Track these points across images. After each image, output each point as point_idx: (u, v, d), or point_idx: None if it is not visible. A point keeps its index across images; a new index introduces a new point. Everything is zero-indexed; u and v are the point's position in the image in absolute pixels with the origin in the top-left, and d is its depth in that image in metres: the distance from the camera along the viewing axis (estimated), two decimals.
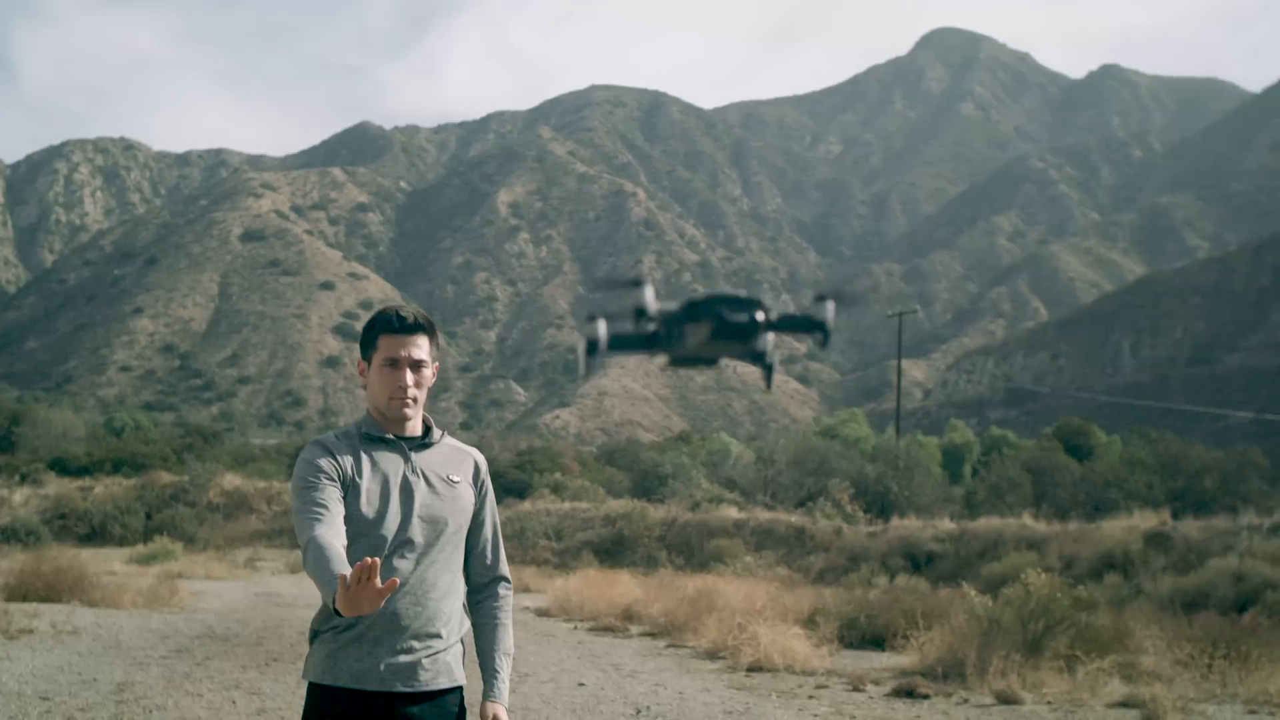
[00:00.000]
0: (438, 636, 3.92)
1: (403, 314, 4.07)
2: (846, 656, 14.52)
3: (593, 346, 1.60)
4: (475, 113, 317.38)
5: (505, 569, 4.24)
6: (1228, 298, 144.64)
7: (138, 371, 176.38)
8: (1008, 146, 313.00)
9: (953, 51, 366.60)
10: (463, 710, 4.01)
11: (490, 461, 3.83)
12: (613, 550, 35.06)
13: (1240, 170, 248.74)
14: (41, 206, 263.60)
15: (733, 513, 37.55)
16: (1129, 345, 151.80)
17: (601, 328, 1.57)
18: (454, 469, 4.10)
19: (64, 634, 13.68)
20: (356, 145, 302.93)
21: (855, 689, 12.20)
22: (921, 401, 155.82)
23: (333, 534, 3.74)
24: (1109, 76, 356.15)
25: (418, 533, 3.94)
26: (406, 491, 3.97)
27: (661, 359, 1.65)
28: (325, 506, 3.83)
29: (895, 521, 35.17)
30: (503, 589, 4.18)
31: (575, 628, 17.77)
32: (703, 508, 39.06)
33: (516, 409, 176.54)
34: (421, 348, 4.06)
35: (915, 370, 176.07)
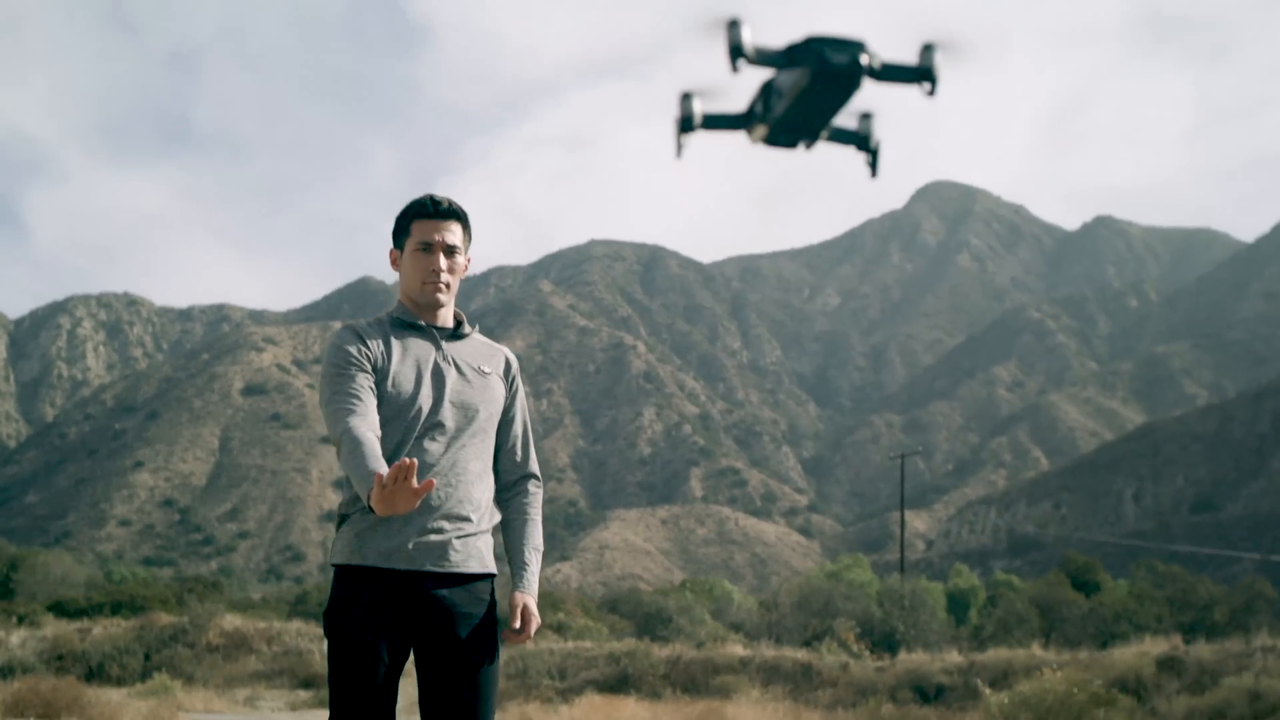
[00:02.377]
0: (467, 520, 3.86)
1: (437, 199, 4.06)
2: None
3: (686, 123, 1.57)
4: (476, 267, 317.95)
5: (535, 466, 4.18)
6: (1228, 445, 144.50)
7: (137, 526, 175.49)
8: (1004, 297, 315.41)
9: (948, 204, 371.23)
10: (493, 600, 3.94)
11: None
12: (617, 688, 34.60)
13: (1236, 318, 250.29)
14: (44, 361, 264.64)
15: (738, 650, 37.12)
16: (1131, 493, 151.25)
17: (696, 104, 1.55)
18: (485, 361, 4.09)
19: None
20: (358, 299, 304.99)
21: None
22: (925, 552, 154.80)
23: (366, 426, 3.71)
24: (1103, 227, 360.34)
25: (448, 417, 3.90)
26: (438, 377, 3.95)
27: (760, 131, 1.62)
28: (358, 396, 3.80)
29: (903, 656, 34.77)
30: (533, 486, 4.13)
31: None
32: (707, 646, 38.66)
33: None
34: (455, 234, 4.05)
35: (918, 521, 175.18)
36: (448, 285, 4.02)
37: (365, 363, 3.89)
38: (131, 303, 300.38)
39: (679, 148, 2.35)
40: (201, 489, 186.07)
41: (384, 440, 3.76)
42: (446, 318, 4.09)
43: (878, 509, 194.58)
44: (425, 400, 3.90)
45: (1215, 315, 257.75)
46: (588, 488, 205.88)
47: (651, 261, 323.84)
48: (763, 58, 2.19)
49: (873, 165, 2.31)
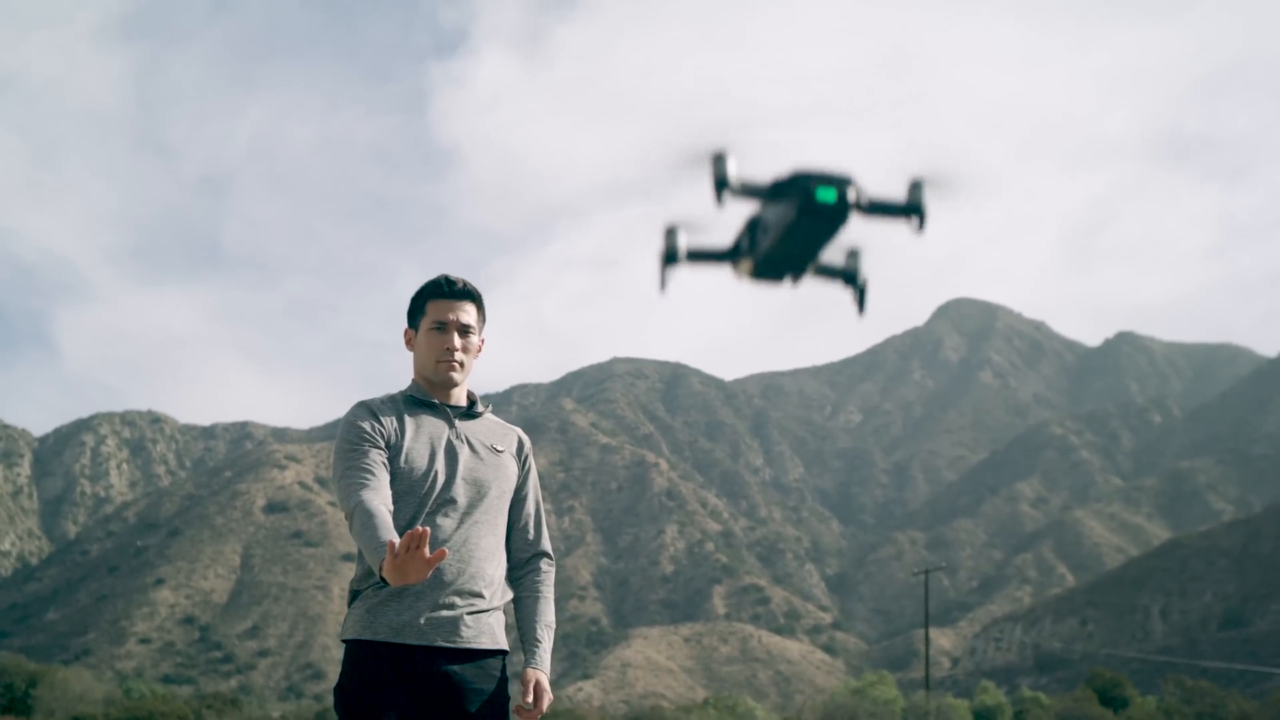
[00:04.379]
0: (479, 596, 3.88)
1: (452, 279, 4.12)
2: None
3: (671, 256, 1.53)
4: (499, 384, 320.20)
5: (548, 545, 4.19)
6: (1255, 560, 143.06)
7: (157, 644, 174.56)
8: (1027, 413, 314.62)
9: (969, 321, 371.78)
10: (504, 677, 3.94)
11: None
12: None
13: (1260, 433, 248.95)
14: (67, 478, 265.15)
15: None
16: (1158, 609, 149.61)
17: (680, 238, 1.52)
18: (498, 439, 4.13)
19: None
20: None
21: None
22: (950, 669, 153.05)
23: (379, 500, 3.75)
24: (1124, 343, 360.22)
25: (461, 493, 3.94)
26: (451, 454, 3.98)
27: (745, 266, 1.58)
28: (371, 471, 3.83)
29: None
30: (545, 564, 4.15)
31: None
32: None
33: None
34: (470, 314, 4.11)
35: (942, 639, 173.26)
36: (462, 364, 4.06)
37: (379, 439, 3.91)
38: (155, 420, 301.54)
39: (663, 282, 2.38)
40: (222, 606, 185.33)
41: (396, 515, 3.81)
42: (460, 396, 4.14)
43: (902, 626, 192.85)
44: (438, 476, 3.95)
45: (1239, 430, 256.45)
46: (610, 605, 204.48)
47: (673, 379, 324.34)
48: (748, 191, 2.25)
49: (860, 302, 2.36)
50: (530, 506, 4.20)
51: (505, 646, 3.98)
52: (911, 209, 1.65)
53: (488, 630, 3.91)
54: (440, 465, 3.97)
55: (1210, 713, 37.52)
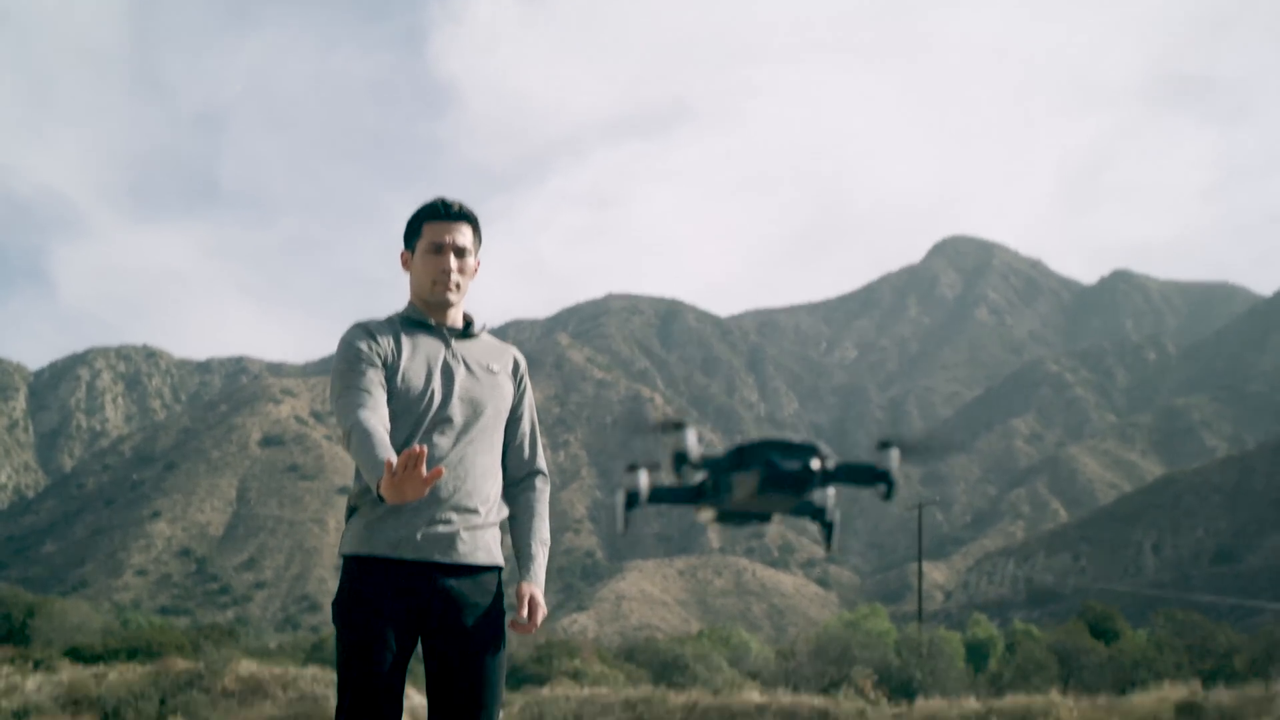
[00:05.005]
0: (475, 512, 3.91)
1: (448, 201, 4.12)
2: None
3: (632, 499, 1.50)
4: (495, 320, 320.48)
5: (542, 463, 4.22)
6: (1248, 496, 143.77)
7: (154, 575, 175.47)
8: (1022, 350, 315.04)
9: (965, 258, 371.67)
10: (500, 592, 3.97)
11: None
12: None
13: (1255, 371, 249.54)
14: (63, 412, 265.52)
15: (755, 696, 36.93)
16: (1150, 545, 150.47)
17: (642, 479, 1.48)
18: (494, 359, 4.16)
19: None
20: None
21: None
22: (943, 603, 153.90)
23: (376, 419, 3.77)
24: (1120, 281, 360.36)
25: (457, 413, 3.96)
26: (447, 374, 4.01)
27: (708, 513, 1.55)
28: (368, 390, 3.86)
29: (920, 703, 34.55)
30: (539, 482, 4.17)
31: None
32: (724, 693, 38.47)
33: None
34: (466, 235, 4.12)
35: (936, 572, 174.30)
36: (458, 286, 4.09)
37: (375, 358, 3.94)
38: (150, 355, 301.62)
39: (624, 523, 2.33)
40: (219, 539, 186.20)
41: (393, 435, 3.82)
42: (456, 318, 4.16)
43: (895, 560, 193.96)
44: (434, 396, 3.97)
45: (1234, 368, 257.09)
46: (604, 539, 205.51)
47: (669, 315, 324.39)
48: (710, 464, 2.19)
49: (827, 539, 2.31)
50: (526, 426, 4.22)
51: (501, 562, 4.01)
52: (879, 476, 1.61)
53: (484, 546, 3.94)
54: (437, 385, 3.99)
55: (1200, 645, 37.81)
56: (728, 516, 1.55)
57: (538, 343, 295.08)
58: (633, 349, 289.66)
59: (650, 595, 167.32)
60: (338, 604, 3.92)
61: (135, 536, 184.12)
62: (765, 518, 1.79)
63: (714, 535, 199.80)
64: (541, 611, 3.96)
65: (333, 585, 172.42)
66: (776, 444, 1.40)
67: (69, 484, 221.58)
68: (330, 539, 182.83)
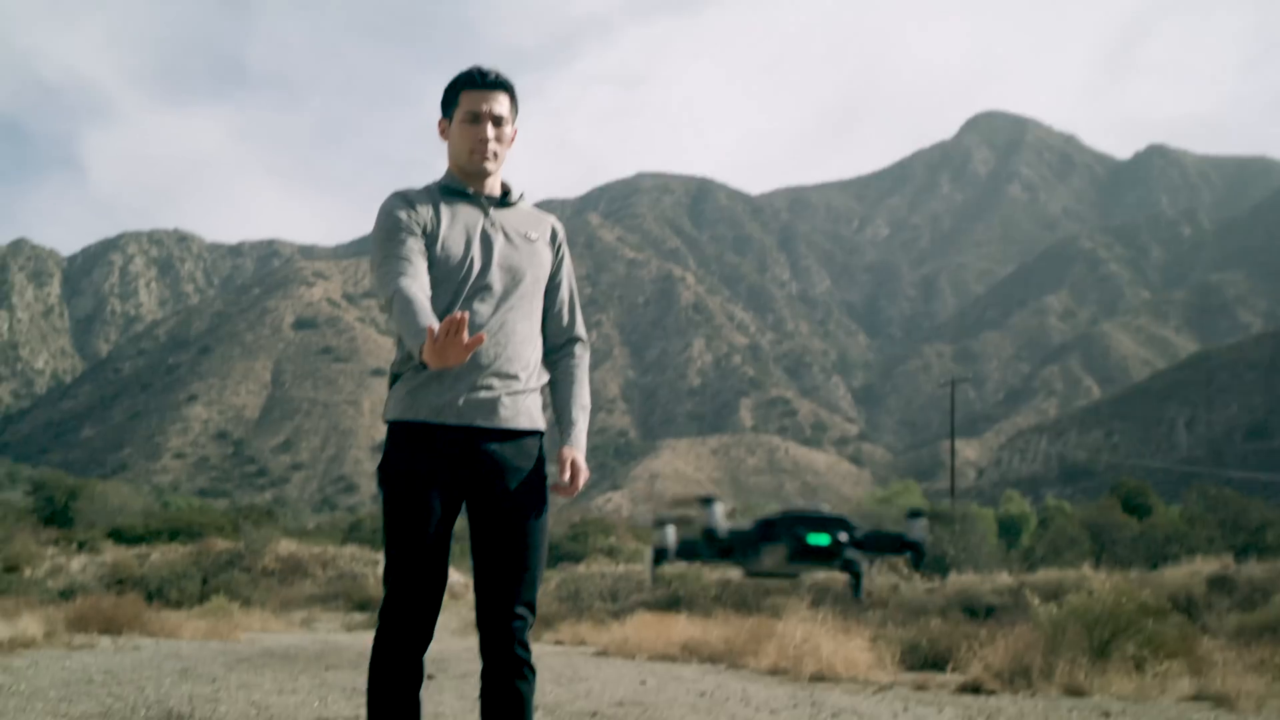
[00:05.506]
0: (515, 378, 3.94)
1: (485, 70, 4.09)
2: (909, 675, 14.29)
3: (661, 555, 1.48)
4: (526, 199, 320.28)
5: (582, 330, 4.25)
6: None
7: (191, 458, 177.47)
8: (1056, 227, 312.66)
9: (998, 134, 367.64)
10: (542, 457, 4.01)
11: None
12: (667, 609, 34.82)
13: None
14: (97, 298, 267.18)
15: None
16: (1184, 421, 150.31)
17: (670, 535, 1.46)
18: (532, 227, 4.17)
19: (125, 650, 13.72)
20: None
21: (921, 689, 12.04)
22: (976, 480, 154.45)
23: (417, 286, 3.78)
24: (1156, 156, 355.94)
25: (496, 280, 3.98)
26: (486, 242, 4.02)
27: (737, 571, 1.55)
28: (408, 259, 3.86)
29: (953, 578, 34.74)
30: (579, 349, 4.20)
31: (634, 659, 17.61)
32: None
33: None
34: (503, 104, 4.09)
35: (968, 450, 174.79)
36: (495, 154, 4.07)
37: (415, 227, 3.94)
38: (182, 239, 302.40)
39: (653, 577, 2.21)
40: (254, 422, 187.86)
41: (434, 302, 3.84)
42: (494, 186, 4.15)
43: (928, 438, 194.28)
44: (474, 263, 3.97)
45: (1270, 244, 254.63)
46: (638, 418, 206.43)
47: (700, 194, 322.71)
48: (738, 537, 2.09)
49: (855, 587, 2.21)
50: (564, 293, 4.22)
51: (542, 427, 4.04)
52: (909, 545, 1.59)
53: (525, 411, 3.96)
54: (476, 252, 3.99)
55: (1233, 520, 37.85)
56: (757, 574, 1.56)
57: (568, 223, 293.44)
58: (664, 228, 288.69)
59: (684, 474, 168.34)
60: (383, 469, 3.95)
61: (172, 420, 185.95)
62: (794, 575, 1.80)
63: (747, 414, 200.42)
64: (583, 475, 3.97)
65: (368, 466, 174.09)
66: (804, 517, 1.38)
67: (105, 369, 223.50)
68: (365, 421, 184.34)
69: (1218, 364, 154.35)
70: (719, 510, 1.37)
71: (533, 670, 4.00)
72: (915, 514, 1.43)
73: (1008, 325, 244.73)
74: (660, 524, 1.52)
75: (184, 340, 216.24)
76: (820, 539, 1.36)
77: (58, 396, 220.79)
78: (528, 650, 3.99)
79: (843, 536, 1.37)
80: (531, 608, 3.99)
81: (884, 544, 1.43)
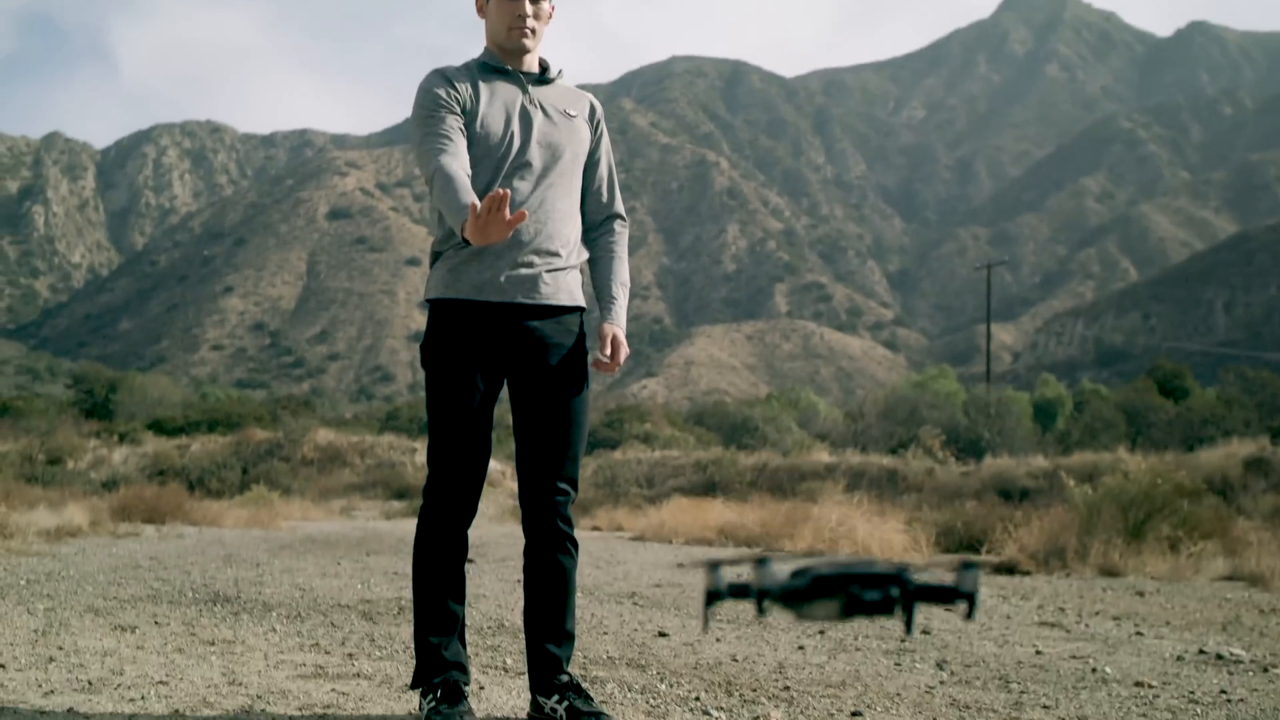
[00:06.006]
0: (556, 255, 3.96)
1: None
2: (944, 557, 14.37)
3: (714, 596, 1.48)
4: None
5: (620, 207, 4.27)
6: None
7: (229, 350, 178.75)
8: (1094, 107, 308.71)
9: (1036, 12, 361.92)
10: (583, 333, 4.05)
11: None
12: (703, 494, 35.09)
13: None
14: (131, 191, 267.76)
15: (824, 456, 37.34)
16: (1222, 303, 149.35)
17: (723, 578, 1.47)
18: (571, 105, 4.15)
19: (169, 538, 13.93)
20: None
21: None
22: (1011, 364, 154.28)
23: (458, 164, 3.80)
24: (1197, 33, 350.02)
25: (535, 157, 3.98)
26: (525, 119, 4.01)
27: (789, 614, 1.56)
28: (449, 136, 3.87)
29: (988, 461, 34.81)
30: (619, 225, 4.22)
31: (670, 543, 17.77)
32: (793, 454, 38.91)
33: (603, 379, 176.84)
34: None
35: (1004, 334, 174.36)
36: (534, 31, 4.05)
37: (454, 105, 3.94)
38: (215, 130, 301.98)
39: (706, 620, 2.15)
40: (290, 313, 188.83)
41: (474, 180, 3.86)
42: (533, 63, 4.13)
43: (964, 322, 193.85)
44: (513, 140, 3.97)
45: None
46: (672, 305, 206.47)
47: (733, 77, 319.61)
48: (790, 594, 1.95)
49: (907, 624, 2.16)
50: (603, 170, 4.23)
51: (583, 303, 4.08)
52: (963, 596, 1.57)
53: (565, 287, 3.99)
54: (515, 129, 3.99)
55: (1270, 402, 37.76)
56: (809, 618, 1.58)
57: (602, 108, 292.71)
58: (697, 113, 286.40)
59: (718, 360, 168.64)
60: (425, 347, 4.00)
61: (209, 312, 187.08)
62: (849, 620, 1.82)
63: (782, 299, 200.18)
64: (624, 351, 4.01)
65: (404, 356, 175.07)
66: (858, 575, 1.37)
67: (141, 262, 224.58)
68: (400, 310, 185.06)
69: (1257, 245, 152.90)
70: (773, 571, 1.37)
71: (575, 545, 4.07)
72: (969, 566, 1.43)
73: (1044, 208, 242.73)
74: (714, 567, 1.53)
75: (218, 232, 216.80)
76: (873, 595, 1.37)
77: (95, 290, 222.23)
78: (570, 525, 4.05)
79: (895, 592, 1.38)
80: (574, 483, 4.04)
81: (937, 596, 1.44)
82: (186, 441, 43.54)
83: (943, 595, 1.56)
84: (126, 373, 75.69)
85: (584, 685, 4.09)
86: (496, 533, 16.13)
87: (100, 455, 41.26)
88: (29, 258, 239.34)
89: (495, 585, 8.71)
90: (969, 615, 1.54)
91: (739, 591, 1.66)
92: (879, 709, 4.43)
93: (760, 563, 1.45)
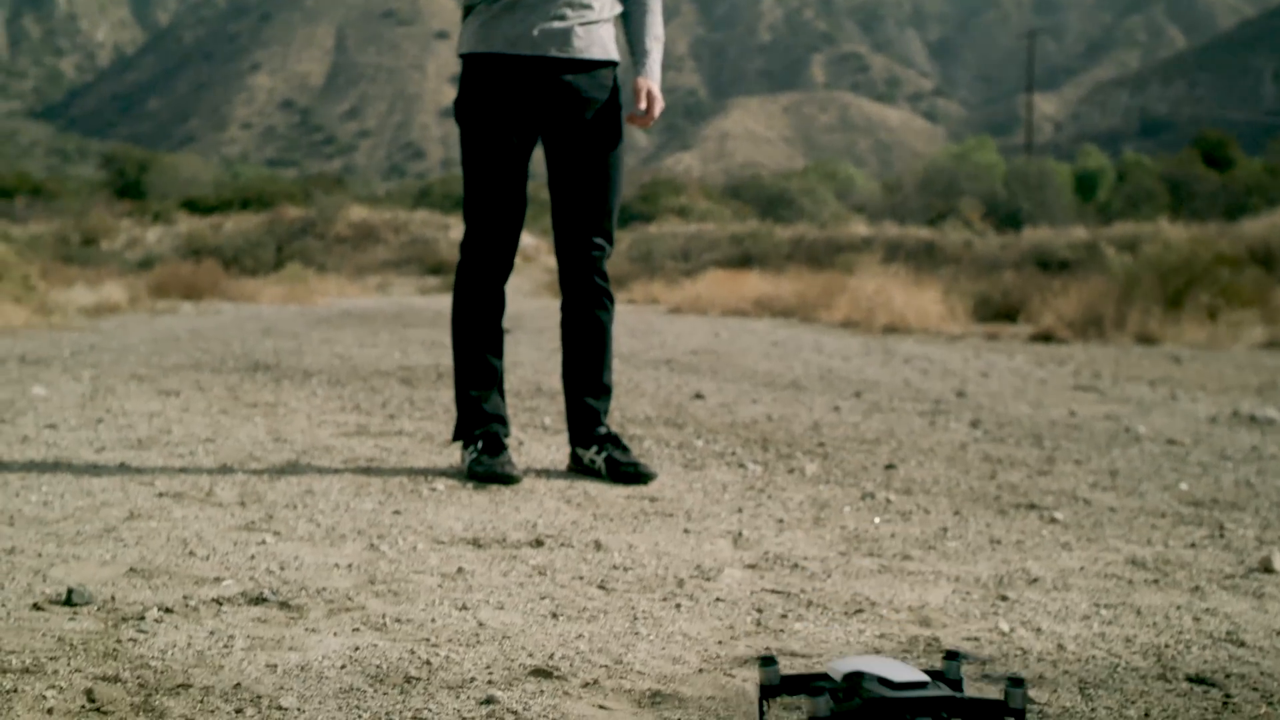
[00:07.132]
0: (589, 7, 3.90)
1: None
2: (980, 326, 14.41)
3: (768, 690, 1.47)
4: None
5: None
6: None
7: (258, 128, 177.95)
8: None
9: None
10: (616, 87, 4.00)
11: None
12: (740, 267, 35.11)
13: None
14: None
15: (861, 229, 37.20)
16: (1270, 72, 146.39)
17: (778, 673, 1.45)
18: None
19: (207, 314, 14.06)
20: None
21: (992, 339, 12.15)
22: (1053, 135, 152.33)
23: None
24: None
25: None
26: None
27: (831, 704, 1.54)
28: None
29: (1027, 232, 34.61)
30: None
31: (706, 315, 17.83)
32: (830, 226, 38.78)
33: (638, 154, 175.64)
34: None
35: (1046, 104, 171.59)
36: None
37: None
38: None
39: (761, 714, 1.94)
40: (319, 90, 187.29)
41: None
42: None
43: (1005, 92, 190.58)
44: None
45: None
46: (707, 76, 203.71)
47: None
48: (842, 714, 1.78)
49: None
50: None
51: (616, 57, 4.03)
52: (1012, 713, 1.51)
53: (599, 41, 3.93)
54: None
55: None
56: None
57: None
58: None
59: (754, 133, 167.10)
60: (459, 103, 3.98)
61: (237, 90, 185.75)
62: None
63: (819, 70, 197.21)
64: (659, 104, 3.98)
65: (436, 132, 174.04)
66: (913, 701, 1.36)
67: (167, 39, 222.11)
68: (431, 84, 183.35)
69: None
70: (823, 704, 1.37)
71: (611, 299, 4.11)
72: (1017, 683, 1.42)
73: None
74: (767, 663, 1.51)
75: (244, 7, 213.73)
76: (916, 704, 1.39)
77: (121, 69, 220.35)
78: (606, 279, 4.08)
79: (945, 716, 1.40)
80: (609, 237, 4.05)
81: (985, 712, 1.44)
82: (220, 220, 43.64)
83: (993, 713, 1.57)
84: (157, 153, 75.63)
85: (622, 438, 4.15)
86: (532, 306, 16.23)
87: (134, 235, 41.44)
88: (52, 36, 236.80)
89: (532, 354, 8.80)
90: None
91: (793, 686, 1.65)
92: (913, 462, 4.49)
93: (813, 693, 1.43)
